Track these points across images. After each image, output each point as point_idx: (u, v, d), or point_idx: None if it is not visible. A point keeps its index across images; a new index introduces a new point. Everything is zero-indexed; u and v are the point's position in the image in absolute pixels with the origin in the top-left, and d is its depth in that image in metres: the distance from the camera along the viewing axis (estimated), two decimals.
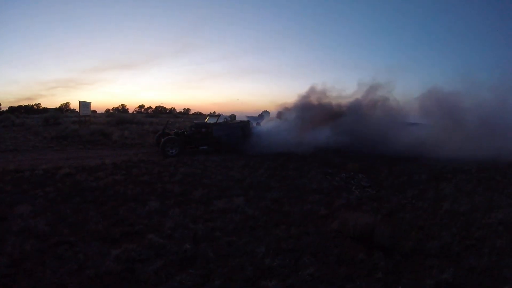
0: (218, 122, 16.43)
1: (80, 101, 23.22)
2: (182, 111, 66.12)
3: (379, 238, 5.68)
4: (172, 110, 65.03)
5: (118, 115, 33.66)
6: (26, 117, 31.15)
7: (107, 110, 53.73)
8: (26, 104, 54.34)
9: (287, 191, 9.18)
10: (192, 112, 64.48)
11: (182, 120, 32.15)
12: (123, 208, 7.31)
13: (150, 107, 66.11)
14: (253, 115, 25.97)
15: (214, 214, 7.06)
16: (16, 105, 51.08)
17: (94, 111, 41.08)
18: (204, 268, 4.76)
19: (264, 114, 27.06)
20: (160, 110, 63.37)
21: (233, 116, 17.32)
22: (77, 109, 24.16)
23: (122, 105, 64.26)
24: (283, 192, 9.01)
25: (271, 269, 4.82)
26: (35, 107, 53.44)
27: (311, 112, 17.85)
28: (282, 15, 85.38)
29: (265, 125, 19.45)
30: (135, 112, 60.39)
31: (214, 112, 20.90)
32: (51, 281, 4.33)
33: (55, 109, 48.16)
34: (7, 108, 47.25)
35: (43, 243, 5.42)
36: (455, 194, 8.91)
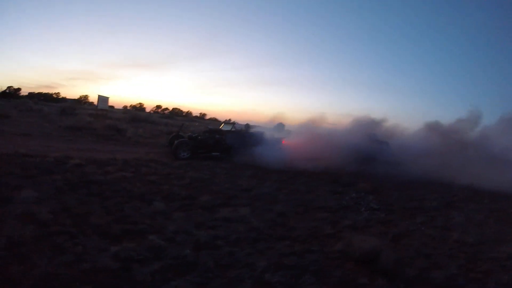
0: (232, 130, 16.39)
1: (99, 95, 23.47)
2: (198, 115, 66.46)
3: (383, 263, 5.50)
4: (188, 114, 65.39)
5: (134, 113, 33.93)
6: (44, 104, 31.52)
7: (125, 107, 54.22)
8: (46, 91, 55.12)
9: (293, 205, 9.00)
10: (207, 117, 64.75)
11: (197, 124, 32.22)
12: (127, 205, 7.22)
13: (166, 108, 66.59)
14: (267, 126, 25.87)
15: (218, 222, 6.92)
16: (36, 92, 51.80)
17: (112, 107, 41.44)
18: (202, 276, 4.62)
19: (279, 126, 26.94)
20: (176, 112, 63.76)
21: (247, 126, 17.25)
22: (95, 102, 24.38)
23: (139, 103, 64.81)
24: (289, 206, 8.83)
25: (270, 285, 4.66)
26: (54, 95, 54.22)
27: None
28: (306, 28, 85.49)
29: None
30: (151, 112, 60.83)
31: (230, 119, 20.84)
32: (45, 269, 4.23)
33: (74, 100, 48.83)
34: (26, 94, 47.98)
35: (43, 230, 5.35)
36: (464, 224, 8.67)
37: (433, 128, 18.92)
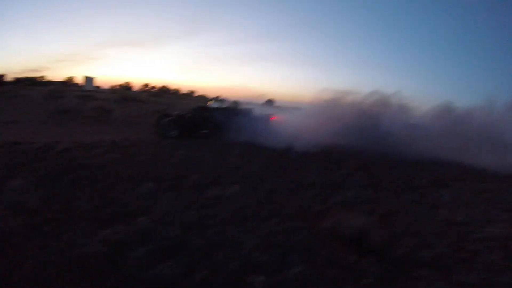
0: (220, 107, 16.35)
1: (85, 76, 23.16)
2: (187, 92, 65.76)
3: (371, 241, 5.59)
4: (176, 91, 64.68)
5: (122, 92, 33.58)
6: (30, 89, 31.03)
7: (112, 87, 53.38)
8: (31, 76, 54.08)
9: (283, 183, 9.09)
10: (196, 94, 64.11)
11: (185, 102, 32.01)
12: (116, 188, 7.25)
13: (154, 87, 65.78)
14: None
15: (207, 201, 6.98)
16: (21, 77, 50.78)
17: (99, 87, 40.87)
18: (190, 257, 4.71)
19: (269, 102, 26.92)
20: (164, 91, 63.06)
21: (235, 102, 17.19)
22: (82, 84, 24.05)
23: (127, 82, 63.93)
24: (279, 184, 8.92)
25: (259, 264, 4.75)
26: (39, 79, 53.19)
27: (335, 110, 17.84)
28: (298, 2, 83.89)
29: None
30: (140, 91, 60.08)
31: (218, 96, 20.74)
32: (35, 259, 4.30)
33: (60, 82, 47.98)
34: (12, 79, 47.05)
35: (33, 219, 5.40)
36: (453, 203, 8.77)
37: (446, 110, 18.74)
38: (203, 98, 44.33)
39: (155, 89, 63.43)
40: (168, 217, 5.94)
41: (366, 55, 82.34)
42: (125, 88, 55.97)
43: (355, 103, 18.85)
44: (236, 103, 17.15)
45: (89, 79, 23.43)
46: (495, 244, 6.34)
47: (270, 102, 26.95)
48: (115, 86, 56.85)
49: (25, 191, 6.41)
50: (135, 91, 53.69)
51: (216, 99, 18.46)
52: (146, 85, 66.56)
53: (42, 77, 54.61)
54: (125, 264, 4.41)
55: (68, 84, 50.29)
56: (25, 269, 4.12)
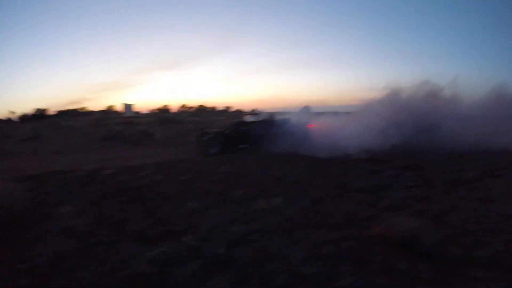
0: (257, 120, 16.33)
1: (125, 103, 23.89)
2: (223, 109, 66.66)
3: (424, 244, 5.26)
4: (213, 109, 65.72)
5: (161, 115, 34.43)
6: (72, 120, 32.40)
7: (151, 111, 54.97)
8: (72, 107, 56.65)
9: (328, 189, 8.85)
10: (232, 110, 64.86)
11: (222, 118, 32.35)
12: (162, 208, 7.32)
13: (192, 107, 67.15)
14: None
15: (252, 215, 6.87)
16: (63, 109, 53.27)
17: (138, 112, 42.12)
18: (237, 273, 4.58)
19: (305, 109, 26.59)
20: (201, 109, 64.22)
21: (271, 114, 17.13)
22: (121, 111, 24.81)
23: (165, 105, 65.66)
24: (324, 191, 8.68)
25: (307, 277, 4.54)
26: (80, 110, 55.63)
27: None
28: (324, 9, 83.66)
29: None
30: (178, 112, 61.50)
31: (254, 110, 20.80)
32: (86, 281, 4.33)
33: (100, 111, 49.93)
34: (55, 112, 49.41)
35: (82, 243, 5.50)
36: (507, 195, 8.21)
37: (498, 96, 17.74)
38: (239, 113, 44.71)
39: (192, 109, 64.74)
40: (214, 233, 5.87)
41: (402, 45, 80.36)
42: (163, 111, 57.44)
43: (407, 98, 18.15)
44: (272, 114, 17.08)
45: (128, 106, 24.23)
46: None
47: (306, 108, 26.59)
48: (154, 110, 58.64)
49: (74, 216, 6.56)
50: (173, 113, 54.94)
51: (253, 112, 18.50)
52: (183, 105, 68.15)
53: (83, 108, 57.21)
54: (174, 282, 4.34)
55: (108, 112, 52.30)
56: None
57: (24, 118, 41.98)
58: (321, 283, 4.42)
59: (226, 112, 61.13)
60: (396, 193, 8.57)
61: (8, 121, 44.81)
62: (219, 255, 5.06)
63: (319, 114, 21.06)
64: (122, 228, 6.19)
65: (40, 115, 45.76)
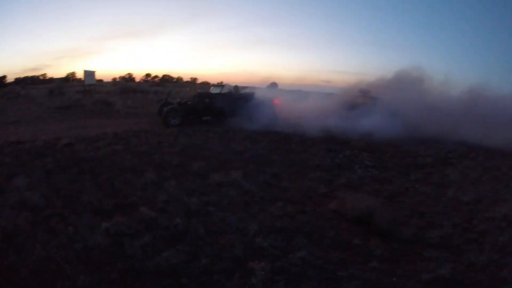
0: (222, 92, 16.19)
1: (84, 70, 22.99)
2: (189, 80, 65.44)
3: (378, 222, 5.52)
4: (178, 79, 64.37)
5: (123, 84, 33.47)
6: (31, 88, 30.96)
7: (114, 79, 53.25)
8: (32, 75, 54.01)
9: (287, 166, 9.04)
10: (199, 81, 63.80)
11: (188, 89, 31.79)
12: (119, 179, 7.22)
13: (156, 76, 65.48)
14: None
15: (210, 188, 6.95)
16: (22, 77, 50.74)
17: (101, 80, 40.68)
18: (193, 244, 4.67)
19: (272, 85, 26.55)
20: (166, 79, 62.76)
21: (236, 87, 17.00)
22: (83, 79, 23.93)
23: (128, 74, 63.69)
24: (283, 167, 8.87)
25: (262, 249, 4.70)
26: (41, 77, 53.12)
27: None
28: None
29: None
30: (141, 81, 59.88)
31: (221, 82, 20.55)
32: (39, 255, 4.30)
33: (61, 79, 47.90)
34: (13, 80, 47.05)
35: (36, 216, 5.39)
36: (460, 181, 8.62)
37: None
38: (206, 85, 44.17)
39: (157, 79, 63.24)
40: (171, 206, 5.92)
41: (382, 33, 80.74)
42: (127, 80, 55.84)
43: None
44: (237, 88, 16.95)
45: (89, 73, 23.21)
46: (505, 223, 6.23)
47: (273, 85, 26.56)
48: (117, 78, 56.86)
49: (28, 189, 6.40)
50: (137, 82, 53.55)
51: (218, 85, 18.30)
52: (148, 75, 66.34)
53: (43, 75, 54.66)
54: (130, 253, 4.40)
55: (69, 80, 50.31)
56: (29, 264, 4.12)
57: None
58: (275, 256, 4.59)
59: (192, 84, 60.09)
60: (353, 172, 8.87)
61: None
62: (175, 227, 5.12)
63: (285, 92, 21.15)
64: (77, 200, 6.08)
65: None
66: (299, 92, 22.88)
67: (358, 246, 5.08)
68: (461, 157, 11.32)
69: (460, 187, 8.20)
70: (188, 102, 15.78)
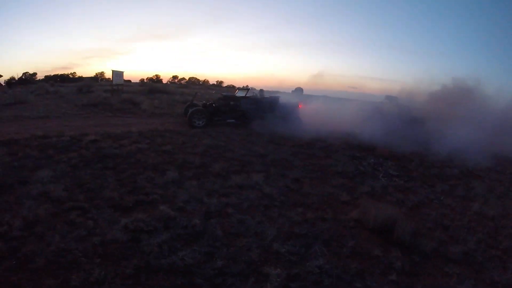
0: (246, 95, 16.21)
1: (113, 70, 23.41)
2: (215, 83, 66.04)
3: (399, 233, 5.33)
4: (205, 82, 65.09)
5: (151, 85, 34.01)
6: (60, 85, 31.80)
7: (141, 80, 54.26)
8: (62, 73, 55.55)
9: (309, 171, 8.89)
10: (225, 84, 64.29)
11: (214, 92, 32.09)
12: (141, 176, 7.28)
13: (183, 78, 66.39)
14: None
15: (230, 190, 6.89)
16: (52, 74, 52.24)
17: (129, 81, 41.52)
18: (210, 245, 4.62)
19: (297, 90, 26.48)
20: (193, 82, 63.61)
21: (261, 91, 16.99)
22: (110, 78, 24.38)
23: (156, 75, 64.81)
24: (305, 172, 8.74)
25: (279, 255, 4.61)
26: (70, 76, 54.62)
27: None
28: None
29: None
30: (168, 83, 60.75)
31: (247, 86, 20.61)
32: (57, 246, 4.33)
33: (90, 78, 49.14)
34: (43, 77, 48.47)
35: (58, 207, 5.47)
36: (486, 195, 8.29)
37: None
38: (231, 88, 44.43)
39: (183, 81, 64.08)
40: (190, 205, 5.90)
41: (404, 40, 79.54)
42: (154, 81, 56.83)
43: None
44: (262, 91, 16.95)
45: (117, 73, 23.63)
46: None
47: (298, 90, 26.49)
48: (144, 79, 57.90)
49: (51, 182, 6.51)
50: (164, 84, 54.33)
51: (243, 88, 18.33)
52: (175, 77, 67.33)
53: (72, 74, 56.19)
54: (146, 250, 4.38)
55: (97, 79, 51.52)
56: (47, 254, 4.16)
57: (11, 83, 41.16)
58: (292, 262, 4.49)
59: (217, 86, 60.68)
60: (376, 181, 8.67)
61: None
62: (193, 226, 5.09)
63: (310, 97, 21.05)
64: (99, 194, 6.16)
65: (27, 80, 44.88)
66: (324, 97, 22.73)
67: (377, 257, 4.91)
68: (488, 170, 10.89)
69: (486, 201, 7.88)
70: (214, 104, 15.86)
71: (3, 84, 41.40)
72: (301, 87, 27.09)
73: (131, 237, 4.68)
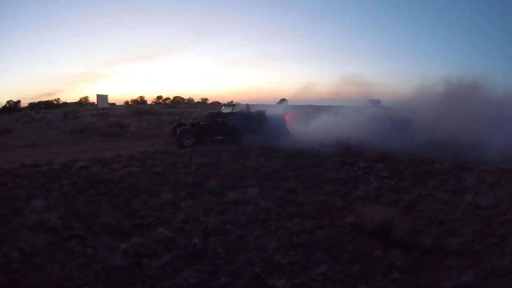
0: (233, 111, 16.31)
1: (97, 94, 23.40)
2: (200, 100, 66.26)
3: (397, 233, 5.42)
4: (190, 100, 65.22)
5: (136, 107, 34.00)
6: (46, 112, 31.63)
7: (126, 102, 54.23)
8: (46, 99, 55.23)
9: (302, 181, 8.99)
10: (210, 101, 64.54)
11: (199, 109, 32.17)
12: (135, 200, 7.27)
13: (168, 98, 66.48)
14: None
15: (226, 206, 6.93)
16: (36, 101, 51.86)
17: (113, 104, 41.46)
18: (212, 263, 4.63)
19: (282, 102, 26.70)
20: (178, 101, 63.73)
21: (247, 106, 17.12)
22: (96, 102, 24.33)
23: (140, 97, 64.82)
24: (298, 182, 8.83)
25: (281, 266, 4.65)
26: (54, 102, 54.35)
27: None
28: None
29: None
30: (153, 104, 60.80)
31: (232, 101, 20.76)
32: (58, 276, 4.30)
33: (75, 103, 48.95)
34: (27, 105, 48.09)
35: (55, 237, 5.43)
36: (477, 186, 8.44)
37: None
38: (216, 105, 44.58)
39: (168, 101, 64.12)
40: (188, 225, 5.92)
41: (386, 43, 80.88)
42: (139, 103, 56.78)
43: None
44: (248, 106, 17.08)
45: (102, 97, 23.61)
46: None
47: (283, 101, 26.70)
48: (129, 101, 57.81)
49: (46, 211, 6.46)
50: (149, 104, 54.35)
51: (229, 104, 18.44)
52: (159, 97, 67.39)
53: (56, 100, 55.85)
54: (149, 274, 4.38)
55: (82, 104, 51.32)
56: (50, 285, 4.13)
57: None
58: (295, 272, 4.53)
59: (203, 104, 60.86)
60: (368, 184, 8.78)
61: None
62: (193, 246, 5.09)
63: (295, 107, 21.25)
64: (95, 221, 6.12)
65: (11, 108, 44.47)
66: (309, 106, 22.96)
67: (378, 258, 4.98)
68: (477, 161, 11.05)
69: (478, 192, 7.99)
70: (201, 123, 15.93)
71: None
72: (286, 98, 27.36)
73: (132, 261, 4.67)
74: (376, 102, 22.39)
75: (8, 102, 47.74)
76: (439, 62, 67.88)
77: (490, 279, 4.47)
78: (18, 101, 48.88)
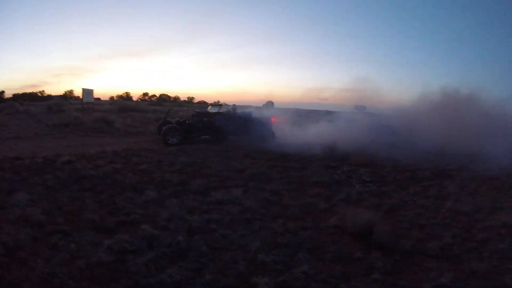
0: (220, 111, 16.37)
1: (83, 88, 23.12)
2: (187, 99, 65.94)
3: (378, 236, 5.56)
4: (176, 99, 64.86)
5: (122, 103, 33.72)
6: (30, 104, 31.07)
7: (111, 98, 53.57)
8: (31, 91, 54.36)
9: (287, 183, 9.11)
10: (196, 100, 64.29)
11: (185, 108, 32.09)
12: (120, 197, 7.26)
13: (154, 95, 66.01)
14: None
15: (211, 206, 6.99)
16: (21, 93, 51.05)
17: (98, 99, 40.88)
18: (196, 261, 4.68)
19: (268, 104, 26.81)
20: (164, 98, 63.29)
21: (234, 106, 17.20)
22: (81, 97, 24.05)
23: (126, 93, 64.20)
24: (283, 184, 8.94)
25: (265, 265, 4.74)
26: (39, 94, 53.53)
27: None
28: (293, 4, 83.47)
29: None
30: (139, 100, 60.32)
31: (218, 101, 20.79)
32: (42, 271, 4.30)
33: (60, 96, 48.22)
34: (11, 96, 47.26)
35: (38, 232, 5.40)
36: (458, 193, 8.67)
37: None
38: (203, 104, 44.46)
39: (154, 98, 63.68)
40: (172, 223, 5.95)
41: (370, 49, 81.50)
42: (124, 99, 56.24)
43: None
44: (235, 107, 17.15)
45: (87, 91, 23.30)
46: (504, 231, 6.26)
47: (269, 104, 26.82)
48: (115, 97, 57.20)
49: (29, 205, 6.41)
50: (134, 101, 53.91)
51: (215, 104, 18.48)
52: (145, 94, 66.86)
53: (41, 92, 54.97)
54: (133, 270, 4.40)
55: (68, 97, 50.54)
56: (33, 280, 4.11)
57: None
58: (278, 271, 4.62)
59: (189, 103, 60.61)
60: (351, 187, 8.95)
61: None
62: (177, 244, 5.14)
63: (282, 110, 21.40)
64: (79, 216, 6.11)
65: None
66: (296, 110, 23.13)
67: (359, 259, 5.11)
68: (459, 169, 11.36)
69: (458, 198, 8.24)
70: (187, 121, 15.93)
71: None
72: (272, 100, 27.45)
73: (116, 258, 4.67)
74: (361, 108, 22.67)
75: None
76: (431, 71, 68.72)
77: (468, 281, 4.63)
78: (2, 92, 48.11)
